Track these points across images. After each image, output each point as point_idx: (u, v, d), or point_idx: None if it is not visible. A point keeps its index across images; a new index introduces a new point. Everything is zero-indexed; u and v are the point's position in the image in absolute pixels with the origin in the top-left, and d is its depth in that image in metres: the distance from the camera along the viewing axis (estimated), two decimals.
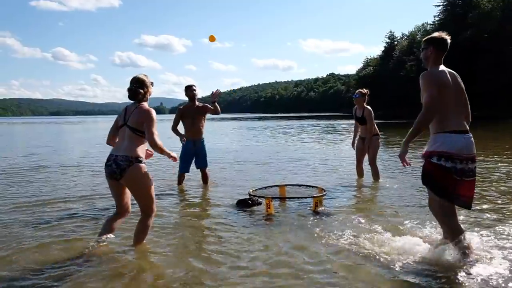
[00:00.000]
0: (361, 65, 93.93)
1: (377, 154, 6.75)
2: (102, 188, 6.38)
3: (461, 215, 4.19)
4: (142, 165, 3.52)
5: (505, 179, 6.68)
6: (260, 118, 67.46)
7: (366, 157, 6.87)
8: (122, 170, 3.43)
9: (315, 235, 3.93)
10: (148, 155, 3.71)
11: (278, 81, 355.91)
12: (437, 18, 56.78)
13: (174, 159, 3.68)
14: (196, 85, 6.43)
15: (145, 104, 3.61)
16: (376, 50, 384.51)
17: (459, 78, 3.22)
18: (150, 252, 3.56)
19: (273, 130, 27.17)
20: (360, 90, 6.81)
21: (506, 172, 7.40)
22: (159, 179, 7.26)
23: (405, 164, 3.16)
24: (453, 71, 3.24)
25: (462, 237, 3.14)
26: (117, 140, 3.65)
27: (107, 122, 61.56)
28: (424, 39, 3.35)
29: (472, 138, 3.15)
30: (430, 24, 59.63)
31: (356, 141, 7.05)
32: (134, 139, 3.51)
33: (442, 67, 3.20)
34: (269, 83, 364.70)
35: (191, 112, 6.28)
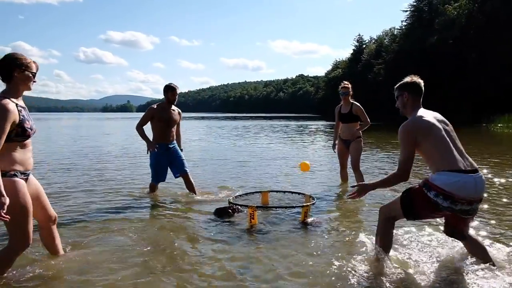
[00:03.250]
0: (330, 67, 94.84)
1: (360, 158, 6.31)
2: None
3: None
4: (9, 179, 2.58)
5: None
6: (230, 118, 66.77)
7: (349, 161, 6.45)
8: None
9: (308, 256, 3.40)
10: None
11: (247, 81, 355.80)
12: (404, 23, 57.77)
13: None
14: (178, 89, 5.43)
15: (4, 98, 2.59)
16: (343, 52, 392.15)
17: (443, 118, 2.99)
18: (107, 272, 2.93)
19: (246, 130, 26.64)
20: (344, 85, 6.11)
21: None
22: (129, 183, 6.62)
23: (354, 196, 3.12)
24: (435, 112, 3.01)
25: (388, 252, 3.08)
26: None
27: (71, 120, 59.17)
28: (395, 86, 3.10)
29: (483, 177, 2.78)
30: (398, 29, 60.58)
31: (336, 144, 6.52)
32: None
33: (421, 111, 2.94)
34: (239, 82, 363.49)
35: (167, 115, 5.40)
